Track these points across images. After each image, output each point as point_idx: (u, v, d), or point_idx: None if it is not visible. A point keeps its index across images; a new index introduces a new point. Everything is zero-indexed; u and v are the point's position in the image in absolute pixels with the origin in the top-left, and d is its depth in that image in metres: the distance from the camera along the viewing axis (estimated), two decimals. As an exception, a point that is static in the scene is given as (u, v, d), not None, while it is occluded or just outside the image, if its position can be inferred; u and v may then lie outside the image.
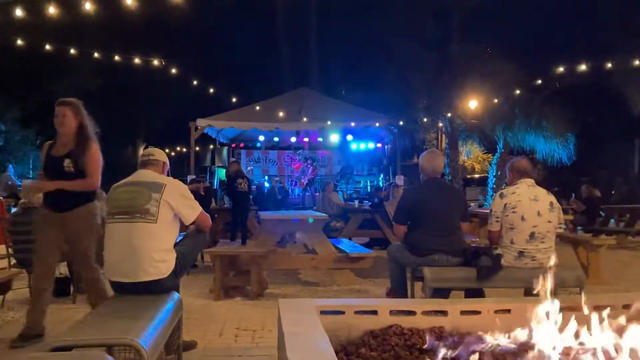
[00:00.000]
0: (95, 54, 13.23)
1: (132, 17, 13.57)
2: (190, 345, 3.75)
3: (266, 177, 16.90)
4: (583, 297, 2.17)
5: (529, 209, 4.03)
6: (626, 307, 2.21)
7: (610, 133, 20.38)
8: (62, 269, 6.17)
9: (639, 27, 14.21)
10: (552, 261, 4.03)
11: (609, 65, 13.25)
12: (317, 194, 14.53)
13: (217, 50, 28.63)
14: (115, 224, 3.23)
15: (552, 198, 4.18)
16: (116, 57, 13.33)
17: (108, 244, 3.26)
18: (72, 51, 12.67)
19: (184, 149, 21.82)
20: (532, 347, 1.93)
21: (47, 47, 12.07)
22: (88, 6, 8.90)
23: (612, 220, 12.11)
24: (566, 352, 1.87)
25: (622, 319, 1.96)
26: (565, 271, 4.12)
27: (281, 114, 14.56)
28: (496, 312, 2.26)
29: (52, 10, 9.12)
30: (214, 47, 28.09)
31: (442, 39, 16.40)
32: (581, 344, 1.88)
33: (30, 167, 19.77)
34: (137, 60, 13.31)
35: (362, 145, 18.32)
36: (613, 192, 20.81)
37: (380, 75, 16.63)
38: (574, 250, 6.56)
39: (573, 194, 14.53)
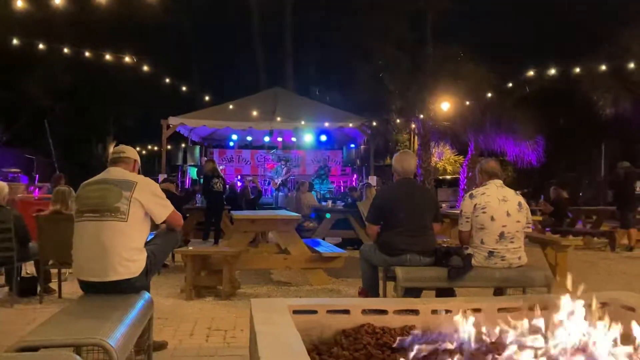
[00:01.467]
0: (65, 50, 12.91)
1: (103, 12, 13.31)
2: (161, 345, 3.72)
3: (239, 177, 16.78)
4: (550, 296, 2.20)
5: (498, 210, 4.11)
6: (590, 306, 2.26)
7: (579, 136, 20.83)
8: (29, 268, 6.05)
9: (606, 33, 14.56)
10: (521, 261, 4.16)
11: (577, 70, 13.54)
12: (290, 194, 14.49)
13: (191, 48, 28.39)
14: (85, 222, 3.17)
15: (521, 198, 4.27)
16: (86, 53, 13.03)
17: (77, 242, 3.21)
18: (41, 46, 12.34)
19: (156, 148, 21.49)
20: (502, 346, 1.96)
21: (15, 41, 11.74)
22: (57, 0, 8.69)
23: (580, 222, 12.41)
24: (538, 351, 1.90)
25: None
26: (534, 271, 4.21)
27: (255, 113, 14.49)
28: (466, 311, 2.29)
29: (19, 3, 8.88)
30: (187, 45, 27.84)
31: (416, 41, 16.58)
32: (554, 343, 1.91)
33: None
34: (108, 57, 13.03)
35: (336, 146, 18.37)
36: (581, 194, 21.29)
37: (355, 76, 16.71)
38: (542, 250, 6.69)
39: (542, 196, 14.82)
